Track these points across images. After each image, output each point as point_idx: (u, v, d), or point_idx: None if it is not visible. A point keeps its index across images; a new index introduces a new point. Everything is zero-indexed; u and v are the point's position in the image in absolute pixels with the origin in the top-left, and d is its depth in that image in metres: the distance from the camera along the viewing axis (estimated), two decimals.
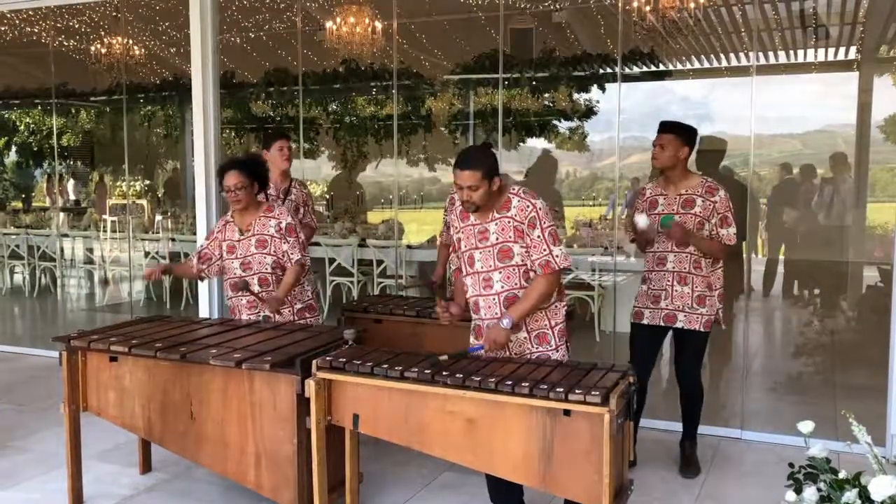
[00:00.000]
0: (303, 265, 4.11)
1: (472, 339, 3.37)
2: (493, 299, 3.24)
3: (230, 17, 8.76)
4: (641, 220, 3.94)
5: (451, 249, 4.71)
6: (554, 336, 3.27)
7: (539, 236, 3.16)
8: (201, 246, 4.31)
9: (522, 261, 3.19)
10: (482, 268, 3.25)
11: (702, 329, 4.00)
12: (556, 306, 3.29)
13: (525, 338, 3.26)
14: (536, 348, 3.26)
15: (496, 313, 3.23)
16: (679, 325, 4.00)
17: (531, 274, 3.19)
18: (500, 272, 3.22)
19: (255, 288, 4.04)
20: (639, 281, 4.31)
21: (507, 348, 3.24)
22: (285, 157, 4.76)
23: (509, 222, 3.19)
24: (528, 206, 3.18)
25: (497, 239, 3.21)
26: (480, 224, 3.25)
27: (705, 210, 3.95)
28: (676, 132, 3.96)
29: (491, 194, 3.16)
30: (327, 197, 11.25)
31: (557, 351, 3.27)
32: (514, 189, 3.25)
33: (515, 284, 3.21)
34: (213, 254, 4.20)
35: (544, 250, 3.15)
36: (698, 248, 3.96)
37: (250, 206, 4.08)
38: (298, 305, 4.23)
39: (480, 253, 3.25)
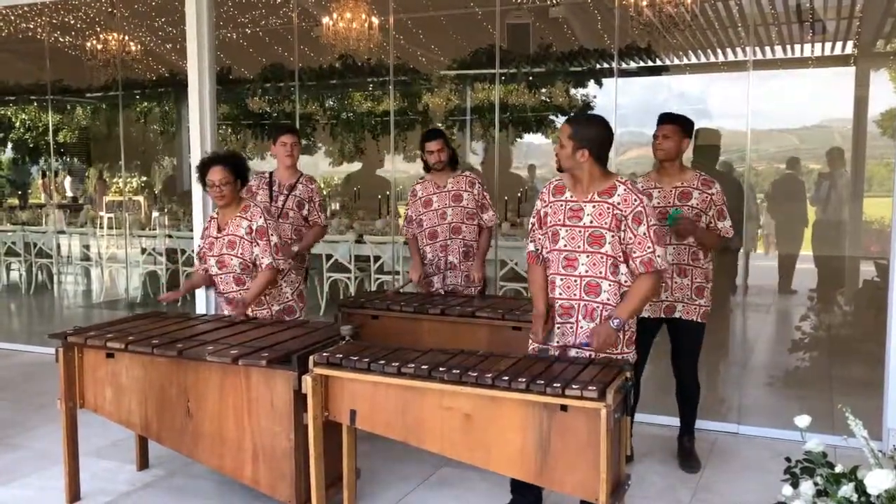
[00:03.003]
0: (274, 269, 4.02)
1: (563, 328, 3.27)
2: (575, 280, 3.17)
3: (226, 12, 8.74)
4: None
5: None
6: (623, 343, 3.22)
7: (644, 233, 3.08)
8: (199, 246, 4.24)
9: (613, 251, 3.11)
10: (566, 246, 3.18)
11: (699, 320, 4.01)
12: None
13: None
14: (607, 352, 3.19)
15: (574, 294, 3.18)
16: (677, 314, 4.01)
17: (620, 267, 3.13)
18: (588, 256, 3.14)
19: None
20: None
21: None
22: (288, 153, 4.66)
23: (609, 209, 3.11)
24: (635, 200, 3.10)
25: (591, 222, 3.13)
26: (576, 202, 3.17)
27: (703, 202, 3.95)
28: (678, 123, 3.97)
29: (574, 163, 3.10)
30: (325, 191, 11.20)
31: (625, 357, 3.22)
32: (621, 178, 3.17)
33: (600, 273, 3.14)
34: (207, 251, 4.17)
35: (648, 247, 3.08)
36: (701, 240, 3.96)
37: (232, 203, 4.03)
38: (276, 307, 4.17)
39: (567, 231, 3.17)
